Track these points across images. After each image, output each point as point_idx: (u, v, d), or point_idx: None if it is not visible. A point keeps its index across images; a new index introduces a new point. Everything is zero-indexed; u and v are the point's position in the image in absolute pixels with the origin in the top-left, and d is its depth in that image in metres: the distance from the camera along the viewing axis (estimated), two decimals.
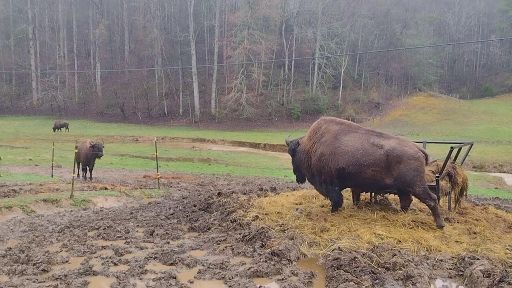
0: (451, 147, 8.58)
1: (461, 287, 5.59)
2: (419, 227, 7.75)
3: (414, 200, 9.97)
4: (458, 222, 8.36)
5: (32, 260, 6.23)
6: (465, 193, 9.58)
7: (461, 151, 10.26)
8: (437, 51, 77.52)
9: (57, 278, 5.59)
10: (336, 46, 65.35)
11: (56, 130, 49.04)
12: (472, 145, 10.38)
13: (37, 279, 5.56)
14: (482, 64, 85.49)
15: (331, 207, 9.02)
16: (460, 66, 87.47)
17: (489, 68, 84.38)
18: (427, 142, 10.93)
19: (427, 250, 6.83)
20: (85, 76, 76.60)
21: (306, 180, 9.65)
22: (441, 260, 6.36)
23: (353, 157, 8.22)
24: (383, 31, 72.96)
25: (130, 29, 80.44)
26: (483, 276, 5.45)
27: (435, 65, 74.88)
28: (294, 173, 9.85)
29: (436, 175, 8.49)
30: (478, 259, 6.12)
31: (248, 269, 5.95)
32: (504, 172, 24.28)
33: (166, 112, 67.26)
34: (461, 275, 5.86)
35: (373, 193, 9.69)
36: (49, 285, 5.32)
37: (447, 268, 6.12)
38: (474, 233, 7.68)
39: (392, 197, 10.04)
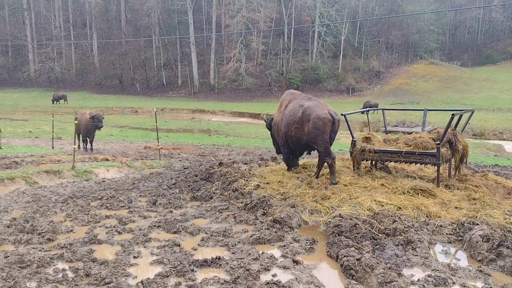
0: (452, 114, 8.55)
1: (461, 251, 5.68)
2: (419, 194, 7.83)
3: (414, 167, 10.08)
4: (458, 189, 8.44)
5: (37, 229, 6.31)
6: (465, 160, 9.62)
7: (461, 118, 10.24)
8: (439, 17, 76.12)
9: (63, 247, 5.68)
10: (336, 13, 64.17)
11: (55, 102, 48.78)
12: (473, 113, 10.34)
13: (42, 248, 5.65)
14: (484, 31, 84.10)
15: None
16: (461, 33, 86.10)
17: (491, 35, 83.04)
18: (428, 110, 10.91)
19: (427, 216, 6.92)
20: (82, 47, 75.51)
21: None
22: (441, 226, 6.46)
23: (287, 118, 9.36)
24: None
25: None
26: (482, 240, 5.54)
27: (436, 32, 73.68)
28: (274, 145, 11.12)
29: (437, 142, 8.50)
30: (477, 224, 6.20)
31: (251, 237, 6.04)
32: (504, 139, 24.27)
33: (164, 83, 66.70)
34: (460, 240, 5.95)
35: (373, 161, 9.74)
36: (55, 254, 5.41)
37: (446, 234, 6.22)
38: (474, 199, 7.76)
39: (393, 165, 10.09)
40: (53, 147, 16.54)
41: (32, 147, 16.49)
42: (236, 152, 16.02)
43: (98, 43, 72.69)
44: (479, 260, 5.29)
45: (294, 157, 10.28)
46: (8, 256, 5.25)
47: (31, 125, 27.51)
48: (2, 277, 4.65)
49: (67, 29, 76.11)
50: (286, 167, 10.36)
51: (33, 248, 5.64)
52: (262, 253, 5.44)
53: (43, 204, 7.96)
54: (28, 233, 6.20)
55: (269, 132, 11.03)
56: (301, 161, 11.04)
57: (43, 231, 6.22)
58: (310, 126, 8.68)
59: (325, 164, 9.47)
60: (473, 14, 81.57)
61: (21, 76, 69.54)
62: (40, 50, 70.35)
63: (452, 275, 4.83)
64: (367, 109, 11.55)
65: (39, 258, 5.16)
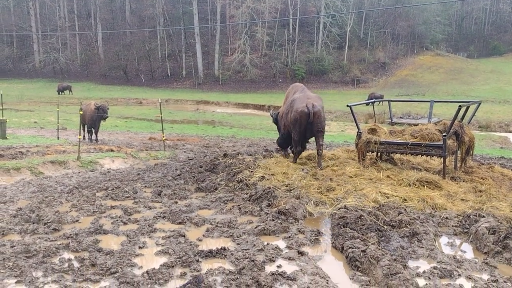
0: (459, 106, 8.48)
1: (466, 244, 5.66)
2: (425, 186, 7.79)
3: (420, 159, 10.04)
4: (464, 181, 8.40)
5: (43, 219, 6.33)
6: (471, 152, 9.57)
7: (468, 110, 10.16)
8: (445, 8, 75.28)
9: (68, 237, 5.70)
10: (342, 4, 63.58)
11: (60, 92, 48.86)
12: (479, 104, 10.27)
13: (48, 238, 5.67)
14: (491, 22, 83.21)
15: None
16: (468, 24, 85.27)
17: (498, 26, 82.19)
18: (435, 102, 10.84)
19: (432, 208, 6.90)
20: (87, 37, 75.33)
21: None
22: (447, 218, 6.43)
23: (286, 109, 10.07)
24: None
25: None
26: (488, 233, 5.51)
27: (442, 23, 72.93)
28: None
29: (443, 134, 8.44)
30: (483, 216, 6.17)
31: (256, 228, 6.04)
32: (510, 131, 24.12)
33: (169, 74, 66.56)
34: (466, 232, 5.93)
35: (379, 153, 9.71)
36: (60, 243, 5.43)
37: (452, 226, 6.19)
38: (480, 191, 7.73)
39: (398, 157, 10.05)
40: (58, 138, 16.59)
41: (37, 138, 16.55)
42: (241, 143, 16.02)
43: (103, 33, 72.54)
44: (485, 253, 5.27)
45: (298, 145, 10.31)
46: (14, 246, 5.27)
47: (36, 115, 27.59)
48: (9, 266, 4.68)
49: (72, 20, 75.96)
50: (286, 156, 10.77)
51: (39, 238, 5.66)
52: (267, 244, 5.44)
53: (49, 194, 7.99)
54: (34, 223, 6.22)
55: (276, 126, 11.27)
56: (306, 153, 11.02)
57: (49, 221, 6.24)
58: (291, 117, 9.52)
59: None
60: (480, 5, 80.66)
61: (26, 67, 69.57)
62: (45, 40, 70.35)
63: (457, 267, 4.81)
64: (372, 100, 11.50)
65: (45, 248, 5.18)
